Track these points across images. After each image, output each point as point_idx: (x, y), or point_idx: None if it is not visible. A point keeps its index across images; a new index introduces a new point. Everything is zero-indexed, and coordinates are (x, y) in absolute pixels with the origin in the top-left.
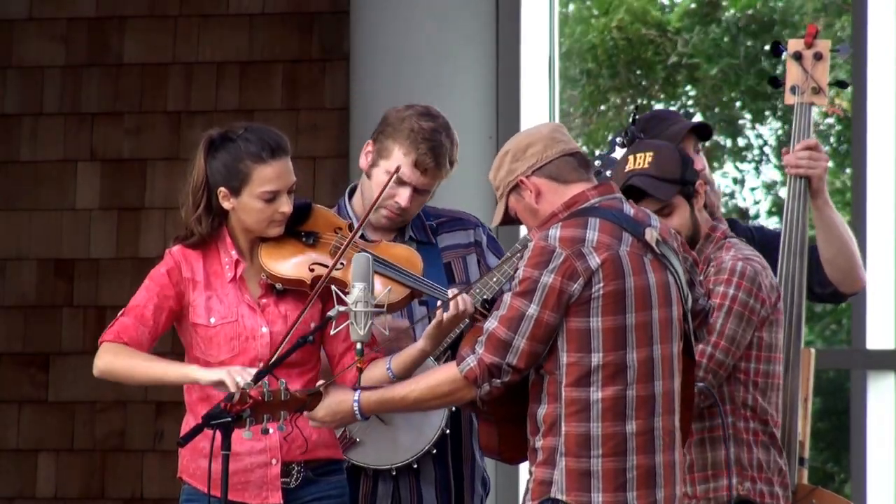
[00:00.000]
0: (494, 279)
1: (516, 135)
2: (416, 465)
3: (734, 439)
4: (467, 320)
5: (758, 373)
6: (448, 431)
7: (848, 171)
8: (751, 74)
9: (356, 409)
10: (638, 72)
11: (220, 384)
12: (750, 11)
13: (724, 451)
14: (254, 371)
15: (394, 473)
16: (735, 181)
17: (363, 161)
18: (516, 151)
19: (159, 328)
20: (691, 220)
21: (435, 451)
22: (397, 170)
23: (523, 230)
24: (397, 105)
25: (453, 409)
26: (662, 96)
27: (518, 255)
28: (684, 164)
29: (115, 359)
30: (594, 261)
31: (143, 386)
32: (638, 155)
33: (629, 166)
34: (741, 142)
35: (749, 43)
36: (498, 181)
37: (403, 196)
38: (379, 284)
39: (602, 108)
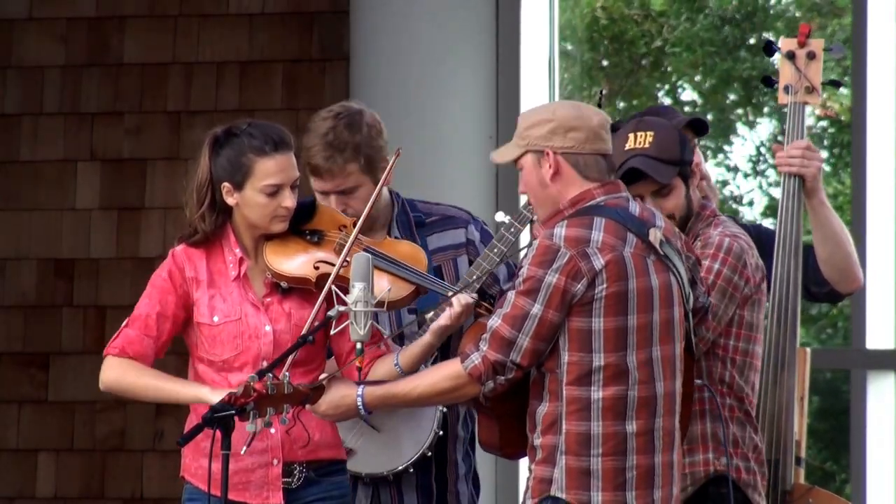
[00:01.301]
0: (475, 276)
1: (567, 104)
2: (412, 470)
3: (710, 415)
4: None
5: (736, 350)
6: (441, 433)
7: (842, 175)
8: (727, 61)
9: (360, 403)
10: (620, 52)
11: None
12: (734, 2)
13: (700, 426)
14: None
15: (390, 479)
16: (728, 168)
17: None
18: (559, 126)
19: (164, 337)
20: (686, 201)
21: (430, 453)
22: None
23: None
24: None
25: (444, 410)
26: (654, 83)
27: (504, 239)
28: (682, 143)
29: (123, 376)
30: (598, 262)
31: (150, 401)
32: (638, 134)
33: (629, 144)
34: (736, 142)
35: (728, 30)
36: (527, 135)
37: (332, 201)
38: (385, 281)
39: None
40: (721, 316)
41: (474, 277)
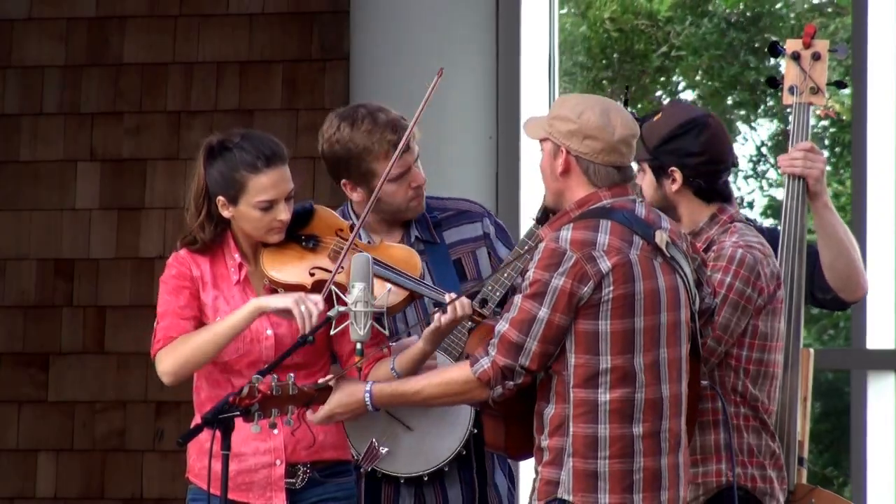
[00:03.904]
0: (505, 274)
1: (598, 110)
2: (446, 469)
3: (724, 425)
4: (469, 323)
5: (750, 360)
6: (476, 431)
7: (843, 173)
8: (734, 66)
9: (368, 400)
10: (630, 62)
11: (287, 312)
12: (741, 6)
13: (713, 436)
14: (318, 299)
15: (426, 479)
16: None
17: (356, 196)
18: (579, 131)
19: (198, 319)
20: (659, 194)
21: (464, 451)
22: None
23: (523, 225)
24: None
25: (478, 408)
26: (657, 88)
27: (527, 249)
28: (673, 137)
29: (178, 352)
30: (605, 264)
31: (217, 356)
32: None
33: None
34: (736, 142)
35: (735, 35)
36: (552, 124)
37: (416, 176)
38: (377, 287)
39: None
40: (733, 329)
41: (505, 275)
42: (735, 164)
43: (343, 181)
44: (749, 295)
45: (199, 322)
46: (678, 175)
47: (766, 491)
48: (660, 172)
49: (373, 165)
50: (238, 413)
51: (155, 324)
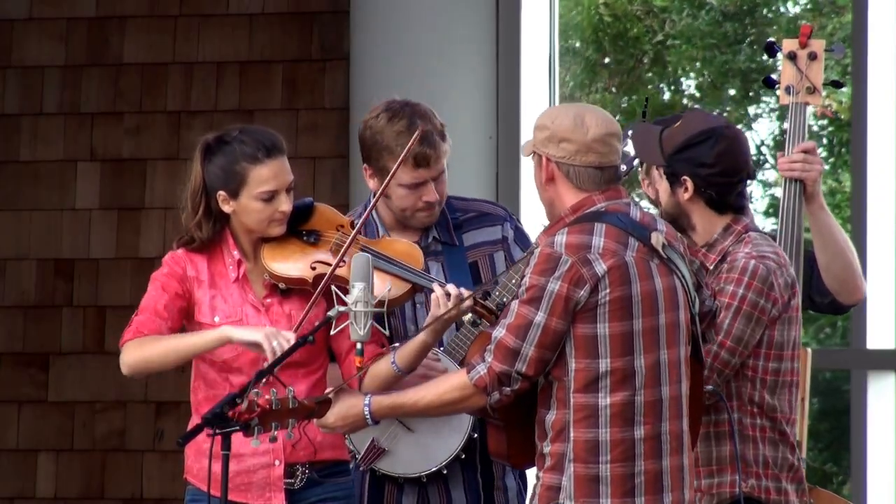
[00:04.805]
0: (514, 281)
1: (571, 114)
2: (445, 471)
3: (740, 436)
4: (473, 319)
5: (766, 370)
6: (476, 435)
7: (840, 172)
8: (727, 55)
9: (367, 413)
10: (623, 46)
11: (256, 346)
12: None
13: (728, 447)
14: (291, 336)
15: (424, 480)
16: None
17: (372, 185)
18: (553, 135)
19: (175, 322)
20: (672, 201)
21: (464, 455)
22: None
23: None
24: None
25: (479, 416)
26: (650, 75)
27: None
28: (688, 146)
29: (143, 349)
30: (600, 267)
31: (177, 366)
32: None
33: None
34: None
35: (729, 26)
36: (534, 135)
37: (430, 193)
38: (379, 281)
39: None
40: (748, 341)
41: (513, 282)
42: (752, 177)
43: (364, 165)
44: (762, 306)
45: (175, 327)
46: (689, 184)
47: (780, 502)
48: (673, 180)
49: (388, 164)
50: (238, 428)
51: (133, 314)
